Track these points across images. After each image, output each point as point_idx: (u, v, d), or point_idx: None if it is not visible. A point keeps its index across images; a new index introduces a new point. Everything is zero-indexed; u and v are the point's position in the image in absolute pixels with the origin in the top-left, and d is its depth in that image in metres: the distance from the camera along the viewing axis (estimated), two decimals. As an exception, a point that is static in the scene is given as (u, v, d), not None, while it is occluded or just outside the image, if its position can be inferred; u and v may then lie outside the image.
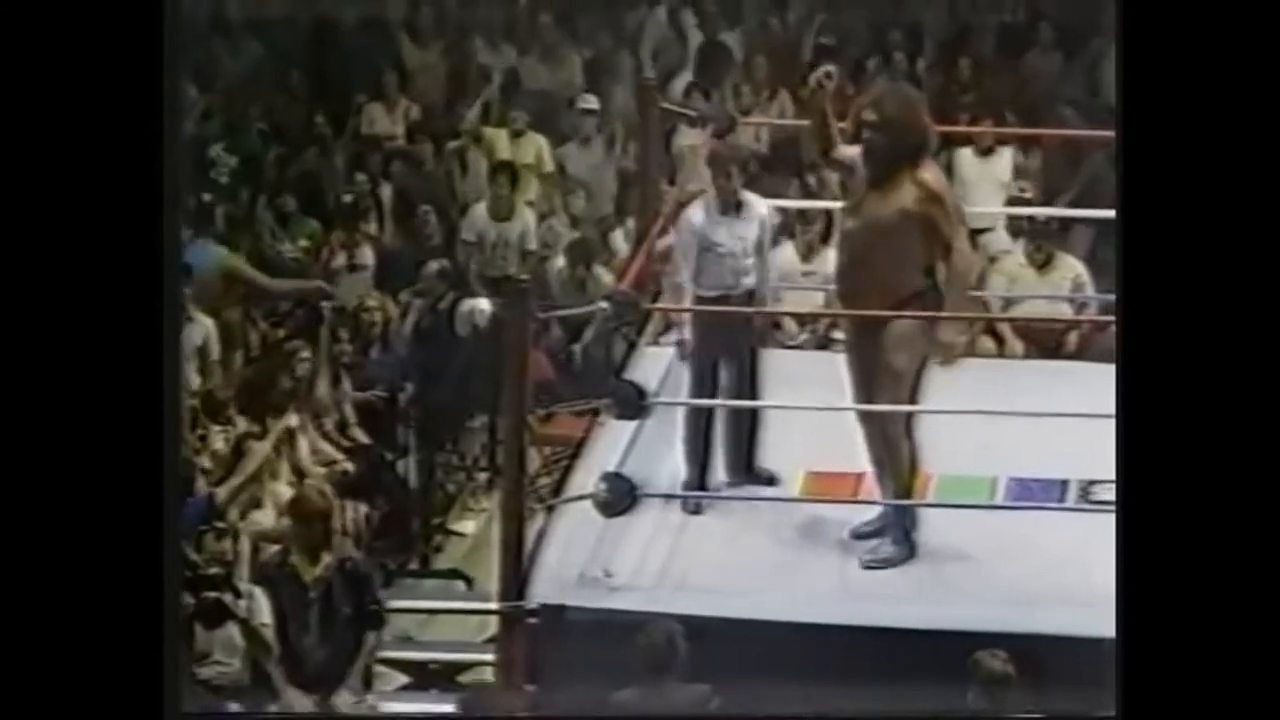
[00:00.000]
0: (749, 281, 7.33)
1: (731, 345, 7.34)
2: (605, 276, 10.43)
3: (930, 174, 6.88)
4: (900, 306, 6.83)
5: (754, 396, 7.34)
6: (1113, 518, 6.66)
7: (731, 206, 7.33)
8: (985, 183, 10.85)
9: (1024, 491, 7.33)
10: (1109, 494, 7.16)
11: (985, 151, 10.93)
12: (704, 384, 7.33)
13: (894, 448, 6.90)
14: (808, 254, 9.71)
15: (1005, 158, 11.06)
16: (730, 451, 7.42)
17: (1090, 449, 7.20)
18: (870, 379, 6.90)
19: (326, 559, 6.93)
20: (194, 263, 9.83)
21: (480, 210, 11.10)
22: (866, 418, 6.93)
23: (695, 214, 7.34)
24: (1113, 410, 6.55)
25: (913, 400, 6.92)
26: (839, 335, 9.10)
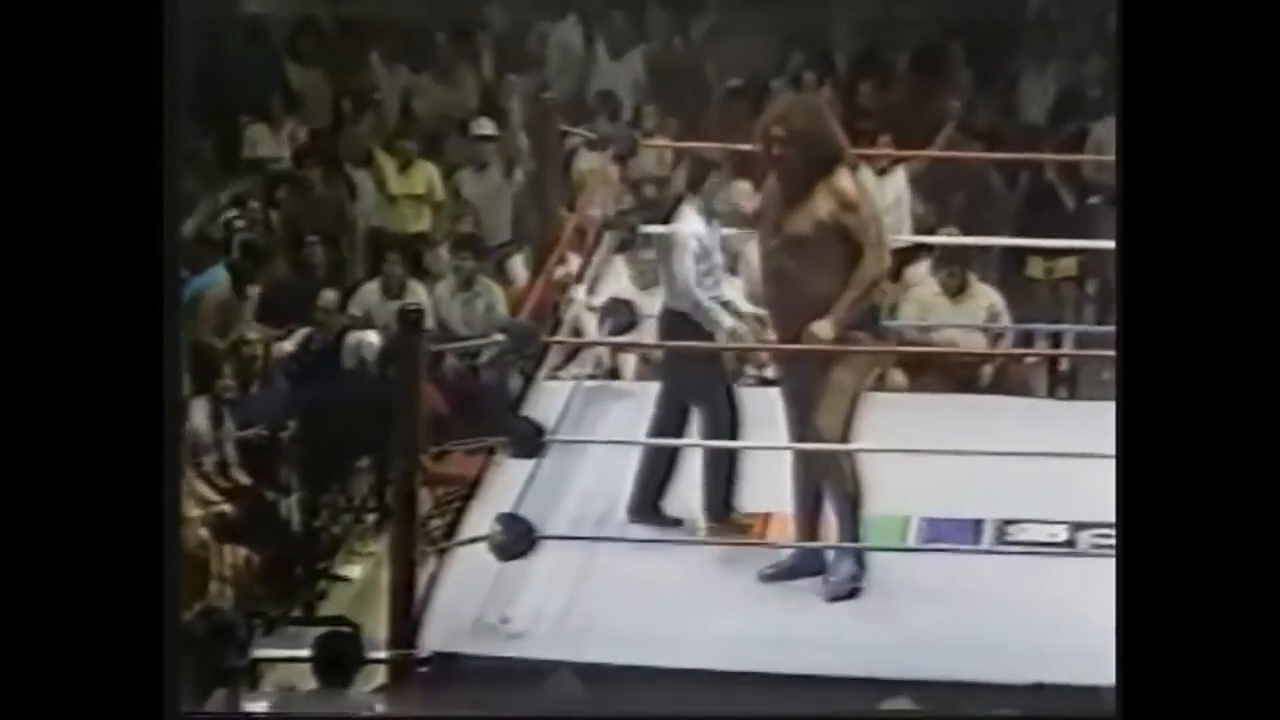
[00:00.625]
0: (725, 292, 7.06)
1: (708, 377, 6.98)
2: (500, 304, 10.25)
3: (846, 182, 6.61)
4: None
5: (728, 435, 6.95)
6: (1031, 559, 6.65)
7: (716, 213, 7.02)
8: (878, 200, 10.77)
9: (937, 532, 7.08)
10: (1025, 534, 7.06)
11: (881, 172, 10.79)
12: (672, 414, 6.97)
13: (838, 465, 6.59)
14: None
15: (899, 178, 10.90)
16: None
17: (1006, 487, 7.06)
18: (811, 399, 6.58)
19: (196, 606, 6.75)
20: (198, 284, 9.80)
21: (372, 288, 10.72)
22: (807, 440, 6.60)
23: (692, 220, 6.99)
24: (1029, 447, 6.51)
25: (850, 418, 6.59)
26: (749, 370, 8.93)
